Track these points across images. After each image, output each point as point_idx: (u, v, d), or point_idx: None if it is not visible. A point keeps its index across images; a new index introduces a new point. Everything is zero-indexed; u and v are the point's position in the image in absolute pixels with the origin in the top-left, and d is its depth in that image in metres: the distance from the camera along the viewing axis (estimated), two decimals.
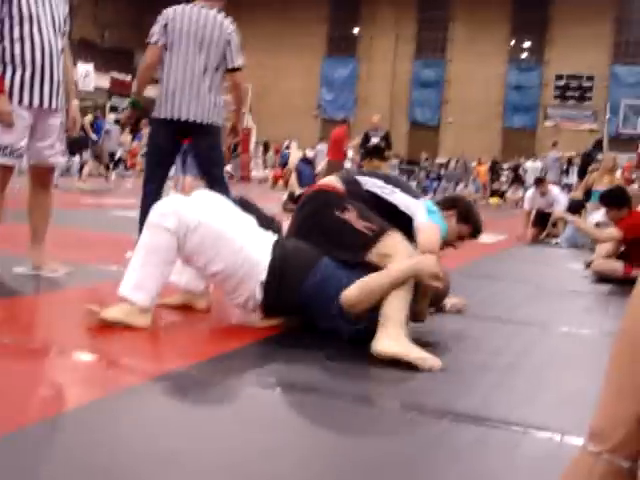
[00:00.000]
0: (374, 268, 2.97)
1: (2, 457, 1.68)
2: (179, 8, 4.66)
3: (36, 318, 3.39)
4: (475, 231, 3.55)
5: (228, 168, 24.15)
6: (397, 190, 3.27)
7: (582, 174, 13.12)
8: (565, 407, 2.47)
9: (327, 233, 3.15)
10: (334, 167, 14.35)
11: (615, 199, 6.24)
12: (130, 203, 6.70)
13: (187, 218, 2.99)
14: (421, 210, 3.17)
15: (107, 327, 2.93)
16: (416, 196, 3.32)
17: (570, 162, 21.81)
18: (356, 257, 3.06)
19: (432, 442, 2.04)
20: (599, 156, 11.76)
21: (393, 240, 3.04)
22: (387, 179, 3.39)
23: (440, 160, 28.20)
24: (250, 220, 3.30)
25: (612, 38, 30.81)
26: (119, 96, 27.17)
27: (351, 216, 3.10)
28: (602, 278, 5.90)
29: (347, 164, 15.47)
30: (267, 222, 3.41)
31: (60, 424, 1.97)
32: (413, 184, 20.85)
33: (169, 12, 4.65)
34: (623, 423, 1.08)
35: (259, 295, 3.07)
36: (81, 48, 27.07)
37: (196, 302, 3.46)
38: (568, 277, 6.27)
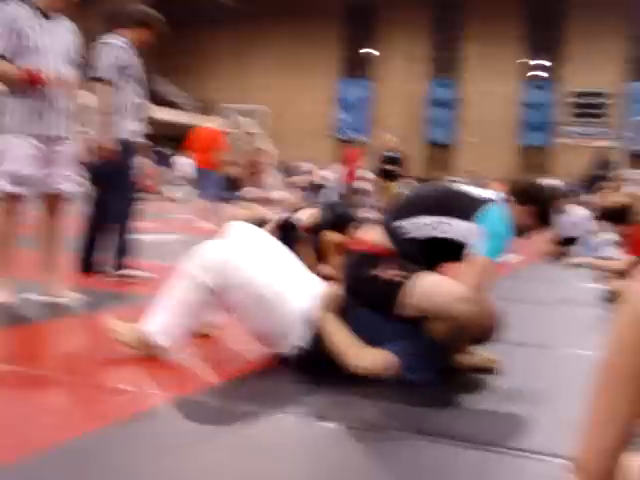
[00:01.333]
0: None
1: None
2: None
3: (43, 345, 3.42)
4: (547, 229, 3.34)
5: (247, 189, 24.15)
6: (447, 219, 3.04)
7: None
8: (563, 432, 2.46)
9: (361, 292, 3.10)
10: (346, 189, 14.49)
11: (619, 215, 6.20)
12: (149, 227, 6.68)
13: (230, 278, 2.92)
14: (477, 239, 2.97)
15: (115, 353, 2.98)
16: (472, 210, 3.03)
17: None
18: (388, 306, 2.99)
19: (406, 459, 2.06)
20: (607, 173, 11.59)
21: (422, 280, 2.96)
22: (433, 208, 3.09)
23: (455, 179, 28.15)
24: (291, 260, 3.28)
25: (627, 54, 30.75)
26: None
27: (381, 269, 3.02)
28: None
29: (360, 184, 15.57)
30: None
31: (64, 453, 1.99)
32: None
33: None
34: (606, 457, 1.08)
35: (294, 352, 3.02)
36: None
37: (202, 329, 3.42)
38: (578, 296, 6.18)
